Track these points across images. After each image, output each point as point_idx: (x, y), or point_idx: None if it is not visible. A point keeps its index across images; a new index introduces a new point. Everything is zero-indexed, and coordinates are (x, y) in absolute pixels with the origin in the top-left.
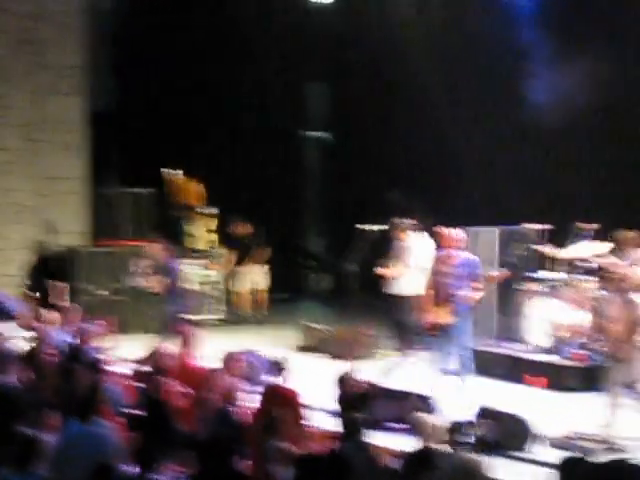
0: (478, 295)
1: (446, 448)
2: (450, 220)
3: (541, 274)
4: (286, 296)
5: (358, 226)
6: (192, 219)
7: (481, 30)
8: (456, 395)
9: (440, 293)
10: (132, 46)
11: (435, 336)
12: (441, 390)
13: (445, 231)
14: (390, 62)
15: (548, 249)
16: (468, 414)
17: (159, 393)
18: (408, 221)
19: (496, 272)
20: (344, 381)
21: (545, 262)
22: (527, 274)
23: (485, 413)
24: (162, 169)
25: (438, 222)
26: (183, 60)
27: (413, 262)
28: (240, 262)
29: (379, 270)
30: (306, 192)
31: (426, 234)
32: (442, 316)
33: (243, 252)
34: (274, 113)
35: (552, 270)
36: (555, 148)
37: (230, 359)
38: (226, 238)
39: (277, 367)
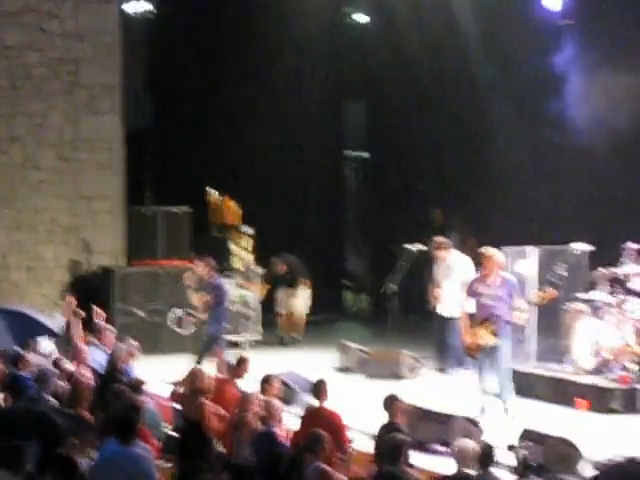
0: (522, 317)
1: (486, 471)
2: (491, 239)
3: (586, 295)
4: (325, 317)
5: (404, 246)
6: (229, 238)
7: (518, 47)
8: (498, 417)
9: (479, 313)
10: (167, 65)
11: (475, 357)
12: (483, 412)
13: (485, 251)
14: (427, 80)
15: (605, 270)
16: (510, 436)
17: (196, 415)
18: (450, 240)
19: (543, 292)
20: (390, 403)
21: (590, 283)
22: (572, 294)
23: (528, 435)
24: (206, 188)
25: (479, 241)
26: (219, 78)
27: (455, 282)
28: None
29: (429, 291)
30: (345, 212)
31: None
32: (483, 337)
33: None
34: (312, 132)
35: (597, 290)
36: (598, 166)
37: (268, 381)
38: (267, 274)
39: (317, 389)
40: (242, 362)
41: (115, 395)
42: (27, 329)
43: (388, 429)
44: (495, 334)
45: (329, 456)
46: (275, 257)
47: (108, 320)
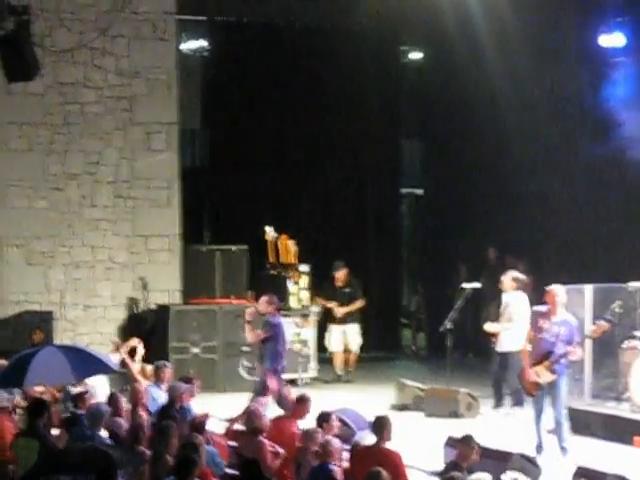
0: (578, 356)
1: None
2: (547, 277)
3: None
4: (382, 354)
5: (463, 285)
6: (287, 277)
7: (573, 82)
8: (554, 455)
9: (538, 350)
10: (224, 102)
11: (534, 395)
12: (540, 450)
13: (550, 288)
14: (482, 117)
15: None
16: (566, 474)
17: (253, 453)
18: (507, 278)
19: (596, 325)
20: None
21: None
22: (628, 332)
23: (583, 473)
24: (265, 227)
25: (535, 279)
26: (275, 116)
27: (512, 318)
28: (334, 318)
29: (485, 327)
30: (402, 249)
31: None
32: (542, 375)
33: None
34: (369, 169)
35: None
36: None
37: (326, 418)
38: (323, 289)
39: (380, 425)
40: (304, 401)
41: (171, 433)
42: (86, 365)
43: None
44: (553, 371)
45: None
46: (338, 262)
47: (165, 357)
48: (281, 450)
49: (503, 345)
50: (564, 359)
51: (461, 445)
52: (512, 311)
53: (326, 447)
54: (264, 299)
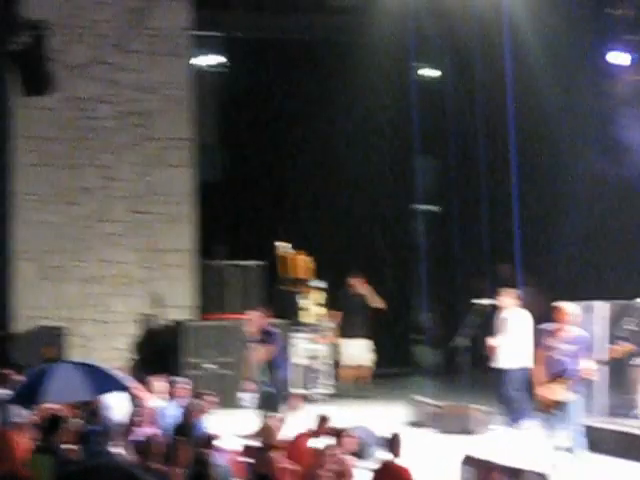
0: (592, 372)
1: None
2: (561, 294)
3: None
4: (396, 370)
5: (473, 301)
6: (301, 293)
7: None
8: (570, 472)
9: (551, 368)
10: (239, 118)
11: (550, 413)
12: (555, 468)
13: (559, 305)
14: (498, 133)
15: None
16: None
17: (268, 469)
18: (508, 294)
19: (620, 346)
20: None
21: None
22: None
23: None
24: (275, 243)
25: (549, 296)
26: (290, 133)
27: (509, 334)
28: (346, 333)
29: (488, 342)
30: (415, 266)
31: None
32: (558, 393)
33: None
34: (384, 186)
35: None
36: None
37: (341, 435)
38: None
39: (389, 443)
40: (323, 421)
41: (186, 450)
42: (101, 382)
43: None
44: (571, 390)
45: None
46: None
47: (178, 374)
48: (297, 467)
49: (499, 361)
50: (580, 379)
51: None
52: (511, 327)
53: (341, 465)
54: (258, 314)
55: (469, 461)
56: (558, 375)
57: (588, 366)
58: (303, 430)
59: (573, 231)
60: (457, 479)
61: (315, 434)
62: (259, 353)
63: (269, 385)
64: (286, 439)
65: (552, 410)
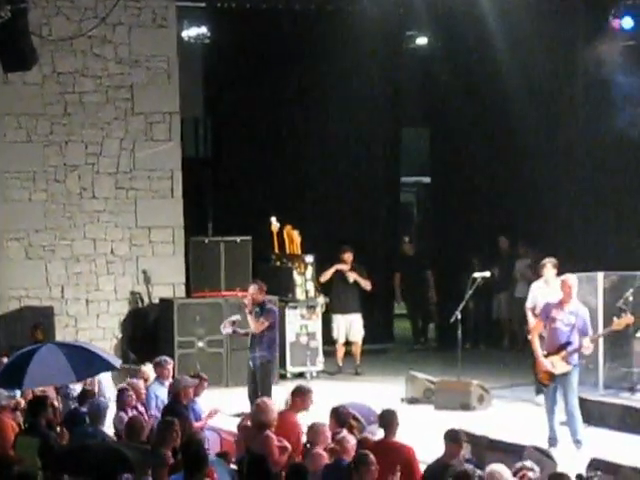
0: (589, 347)
1: None
2: (562, 265)
3: None
4: (390, 346)
5: (472, 275)
6: (293, 268)
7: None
8: (568, 447)
9: (553, 340)
10: (227, 91)
11: (547, 385)
12: (553, 442)
13: (565, 278)
14: (490, 103)
15: None
16: (579, 466)
17: (263, 449)
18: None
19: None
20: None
21: None
22: None
23: (597, 465)
24: (271, 218)
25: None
26: (278, 106)
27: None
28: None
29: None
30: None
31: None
32: (557, 365)
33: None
34: (371, 159)
35: None
36: None
37: (336, 412)
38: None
39: (386, 419)
40: (305, 393)
41: (176, 429)
42: (87, 364)
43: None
44: (568, 362)
45: None
46: (345, 245)
47: (168, 352)
48: (288, 445)
49: None
50: (578, 352)
51: (448, 442)
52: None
53: (342, 443)
54: (256, 287)
55: (466, 437)
56: (562, 347)
57: (585, 340)
58: (286, 405)
59: (571, 200)
60: None
61: (298, 407)
62: (260, 327)
63: (259, 360)
64: (278, 417)
65: (550, 383)
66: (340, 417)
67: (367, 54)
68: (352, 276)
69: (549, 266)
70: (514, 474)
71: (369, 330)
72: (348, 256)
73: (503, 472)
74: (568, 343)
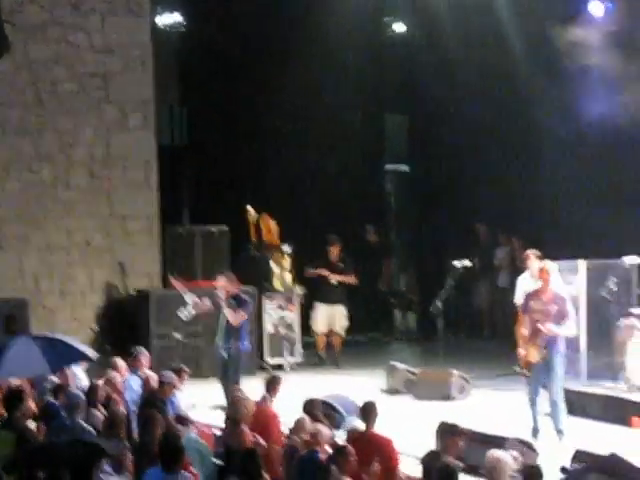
0: (567, 333)
1: None
2: (543, 254)
3: (639, 310)
4: (372, 336)
5: (452, 263)
6: (270, 258)
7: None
8: (551, 438)
9: (531, 330)
10: (202, 79)
11: (527, 375)
12: (536, 433)
13: (541, 265)
14: (470, 91)
15: None
16: (563, 458)
17: (239, 443)
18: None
19: None
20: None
21: None
22: (624, 309)
23: (581, 456)
24: (247, 206)
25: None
26: (255, 92)
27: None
28: (321, 297)
29: None
30: (388, 227)
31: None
32: (532, 354)
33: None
34: (352, 146)
35: None
36: None
37: (312, 404)
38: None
39: (366, 411)
40: (274, 383)
41: (152, 422)
42: (61, 356)
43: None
44: (543, 352)
45: None
46: (332, 235)
47: (145, 344)
48: (262, 441)
49: None
50: (557, 340)
51: (446, 437)
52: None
53: (315, 435)
54: (226, 279)
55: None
56: (535, 336)
57: (565, 328)
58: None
59: (552, 187)
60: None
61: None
62: (240, 318)
63: (234, 351)
64: (254, 409)
65: (531, 373)
66: (311, 409)
67: (346, 40)
68: (335, 278)
69: (532, 257)
70: None
71: (363, 320)
72: (334, 248)
73: (507, 459)
74: (540, 332)
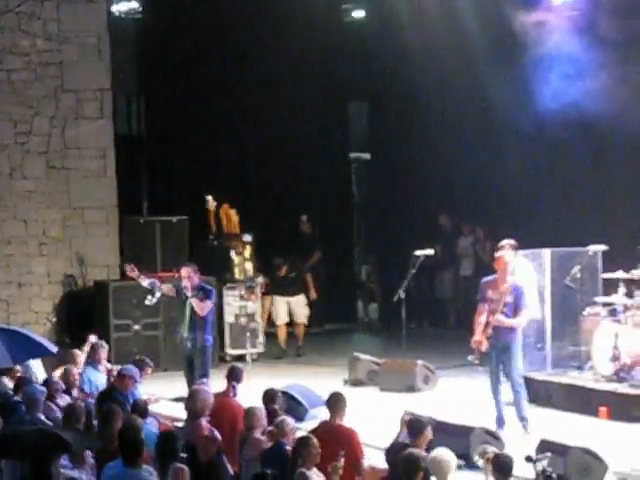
0: (519, 323)
1: None
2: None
3: (605, 298)
4: (335, 327)
5: (414, 253)
6: (230, 248)
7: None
8: (515, 427)
9: (488, 319)
10: (161, 67)
11: (482, 365)
12: (500, 422)
13: (498, 255)
14: (431, 78)
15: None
16: (528, 448)
17: (194, 438)
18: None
19: None
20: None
21: (609, 286)
22: (588, 298)
23: (546, 446)
24: (206, 196)
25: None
26: (216, 80)
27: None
28: (278, 290)
29: None
30: (351, 217)
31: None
32: (483, 344)
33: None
34: (315, 135)
35: (617, 294)
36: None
37: (272, 395)
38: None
39: (334, 402)
40: (236, 374)
41: (116, 417)
42: (22, 349)
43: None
44: (492, 341)
45: (342, 473)
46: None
47: (104, 336)
48: (218, 436)
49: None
50: (514, 331)
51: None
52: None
53: (280, 426)
54: (190, 269)
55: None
56: (486, 327)
57: (522, 317)
58: (221, 388)
59: (516, 177)
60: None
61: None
62: (207, 308)
63: (200, 343)
64: (210, 403)
65: (488, 364)
66: (269, 400)
67: (306, 28)
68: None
69: (507, 247)
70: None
71: (326, 310)
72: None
73: (450, 460)
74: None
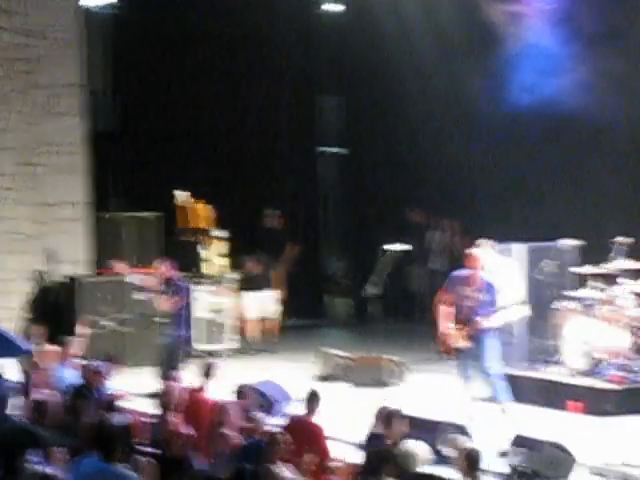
0: (497, 321)
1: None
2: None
3: (577, 292)
4: (304, 322)
5: (384, 247)
6: (199, 243)
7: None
8: (488, 423)
9: (459, 315)
10: (133, 63)
11: (453, 356)
12: (472, 419)
13: (470, 251)
14: (405, 72)
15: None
16: (502, 443)
17: (165, 434)
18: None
19: None
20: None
21: (581, 280)
22: (562, 293)
23: (520, 441)
24: (173, 191)
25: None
26: (187, 76)
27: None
28: (248, 285)
29: None
30: (322, 211)
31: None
32: (457, 340)
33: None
34: (285, 128)
35: (588, 288)
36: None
37: (244, 391)
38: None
39: (311, 400)
40: (209, 368)
41: (85, 411)
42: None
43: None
44: (470, 338)
45: (310, 468)
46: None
47: (74, 332)
48: (191, 431)
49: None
50: (488, 327)
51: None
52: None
53: (255, 422)
54: (166, 264)
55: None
56: (463, 322)
57: (496, 317)
58: (194, 384)
59: (489, 172)
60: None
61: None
62: (164, 304)
63: (175, 339)
64: (182, 398)
65: (460, 360)
66: (243, 397)
67: (280, 20)
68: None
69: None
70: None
71: (297, 306)
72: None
73: (419, 452)
74: (471, 319)
